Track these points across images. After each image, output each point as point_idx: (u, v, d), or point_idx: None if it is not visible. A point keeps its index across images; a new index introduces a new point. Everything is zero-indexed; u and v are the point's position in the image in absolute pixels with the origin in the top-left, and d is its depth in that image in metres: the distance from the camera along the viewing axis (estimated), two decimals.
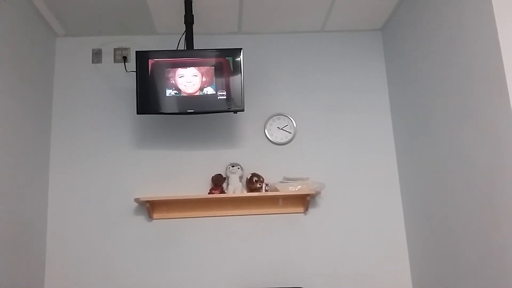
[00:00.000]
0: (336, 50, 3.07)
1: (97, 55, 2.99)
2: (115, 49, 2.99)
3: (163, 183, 2.83)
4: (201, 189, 2.82)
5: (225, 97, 2.55)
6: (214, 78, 2.56)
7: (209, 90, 2.55)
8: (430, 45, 2.41)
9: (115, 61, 2.98)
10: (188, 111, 2.54)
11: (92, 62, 2.98)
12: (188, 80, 2.55)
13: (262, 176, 2.78)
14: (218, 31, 3.00)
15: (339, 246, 2.80)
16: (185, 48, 2.65)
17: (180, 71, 2.56)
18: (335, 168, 2.90)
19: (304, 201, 2.78)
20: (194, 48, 2.68)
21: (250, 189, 2.76)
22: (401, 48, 2.79)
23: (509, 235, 1.79)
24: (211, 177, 2.80)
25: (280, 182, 2.75)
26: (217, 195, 2.71)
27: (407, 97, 2.74)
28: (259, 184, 2.75)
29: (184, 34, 2.67)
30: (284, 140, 2.92)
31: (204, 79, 2.56)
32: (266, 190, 2.76)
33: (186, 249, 2.76)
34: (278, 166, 2.87)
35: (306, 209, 2.82)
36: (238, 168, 2.77)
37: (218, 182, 2.77)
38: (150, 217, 2.77)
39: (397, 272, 2.78)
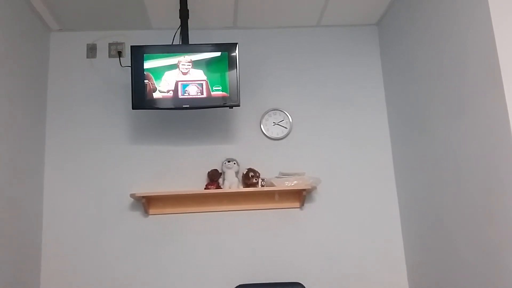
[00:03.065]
0: (332, 45, 3.06)
1: (91, 50, 2.97)
2: (110, 44, 2.97)
3: (159, 178, 2.83)
4: (197, 185, 2.82)
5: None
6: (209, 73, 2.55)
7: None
8: (426, 40, 2.41)
9: (110, 56, 2.96)
10: (184, 106, 2.54)
11: (87, 57, 2.96)
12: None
13: (258, 171, 2.78)
14: (214, 25, 2.98)
15: (335, 241, 2.81)
16: (180, 43, 2.64)
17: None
18: (331, 163, 2.90)
19: (300, 196, 2.78)
20: (190, 43, 2.67)
21: (246, 184, 2.76)
22: (397, 43, 2.79)
23: (504, 232, 1.80)
24: (207, 172, 2.80)
25: (276, 177, 2.75)
26: (213, 191, 2.70)
27: (403, 92, 2.74)
28: (255, 179, 2.75)
29: (179, 28, 2.66)
30: (280, 135, 2.92)
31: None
32: (262, 185, 2.76)
33: (182, 245, 2.76)
34: (274, 161, 2.87)
35: (302, 204, 2.82)
36: (234, 163, 2.77)
37: (214, 177, 2.77)
38: (146, 213, 2.77)
39: (392, 265, 2.79)
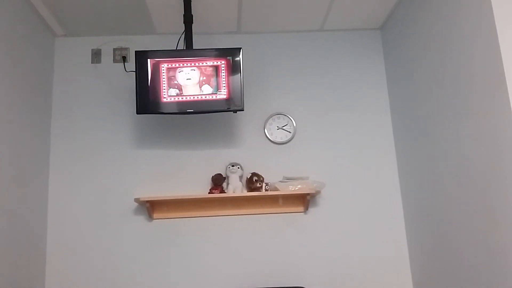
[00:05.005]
0: (335, 49, 3.06)
1: (96, 55, 2.98)
2: (114, 49, 2.99)
3: (163, 183, 2.83)
4: (201, 189, 2.82)
5: (224, 96, 2.55)
6: (213, 78, 2.56)
7: (209, 90, 2.55)
8: (429, 44, 2.41)
9: (115, 61, 2.98)
10: (188, 111, 2.54)
11: (92, 62, 2.98)
12: (189, 76, 2.55)
13: (262, 175, 2.79)
14: (217, 30, 2.99)
15: (339, 245, 2.80)
16: (185, 48, 2.65)
17: (181, 68, 2.55)
18: (335, 167, 2.90)
19: (304, 200, 2.78)
20: (194, 47, 2.68)
21: (250, 189, 2.76)
22: (400, 47, 2.79)
23: (508, 233, 1.79)
24: (211, 176, 2.80)
25: (280, 181, 2.75)
26: (217, 195, 2.71)
27: (406, 96, 2.74)
28: (259, 184, 2.75)
29: (184, 33, 2.67)
30: (284, 139, 2.92)
31: (203, 79, 2.56)
32: (266, 190, 2.76)
33: (186, 249, 2.76)
34: (278, 166, 2.87)
35: (306, 209, 2.82)
36: (238, 167, 2.77)
37: (218, 181, 2.77)
38: (150, 217, 2.77)
39: (397, 270, 2.78)
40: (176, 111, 2.55)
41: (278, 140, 2.92)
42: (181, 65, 2.55)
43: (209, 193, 2.76)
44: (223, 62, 2.57)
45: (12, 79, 2.40)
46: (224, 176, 2.80)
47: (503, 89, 1.78)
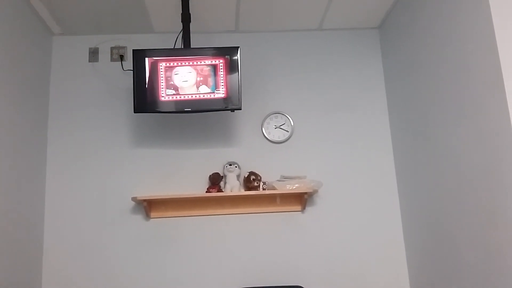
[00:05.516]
0: (334, 49, 3.07)
1: (94, 54, 2.98)
2: (112, 48, 2.99)
3: (161, 182, 2.83)
4: (199, 188, 2.82)
5: (222, 95, 2.55)
6: (211, 77, 2.55)
7: (206, 89, 2.55)
8: (427, 44, 2.41)
9: (112, 59, 2.97)
10: (186, 110, 2.54)
11: (89, 61, 2.97)
12: (185, 78, 2.55)
13: (260, 174, 2.78)
14: (216, 29, 2.99)
15: (337, 244, 2.81)
16: (182, 47, 2.65)
17: (177, 69, 2.55)
18: (333, 166, 2.90)
19: (302, 199, 2.78)
20: (191, 46, 2.68)
21: (248, 188, 2.76)
22: (399, 46, 2.79)
23: (506, 234, 1.80)
24: (209, 175, 2.80)
25: (278, 180, 2.75)
26: (214, 194, 2.70)
27: (404, 95, 2.74)
28: (257, 183, 2.75)
29: (181, 32, 2.67)
30: (282, 138, 2.92)
31: (201, 78, 2.55)
32: (263, 189, 2.76)
33: (183, 248, 2.76)
34: (275, 165, 2.87)
35: (303, 208, 2.82)
36: (236, 166, 2.77)
37: (215, 180, 2.77)
38: (147, 216, 2.77)
39: (394, 270, 2.79)
40: (174, 110, 2.55)
41: (276, 139, 2.92)
42: (179, 64, 2.55)
43: (206, 192, 2.76)
44: (221, 61, 2.57)
45: (9, 78, 2.39)
46: (221, 175, 2.80)
47: (501, 89, 1.78)
